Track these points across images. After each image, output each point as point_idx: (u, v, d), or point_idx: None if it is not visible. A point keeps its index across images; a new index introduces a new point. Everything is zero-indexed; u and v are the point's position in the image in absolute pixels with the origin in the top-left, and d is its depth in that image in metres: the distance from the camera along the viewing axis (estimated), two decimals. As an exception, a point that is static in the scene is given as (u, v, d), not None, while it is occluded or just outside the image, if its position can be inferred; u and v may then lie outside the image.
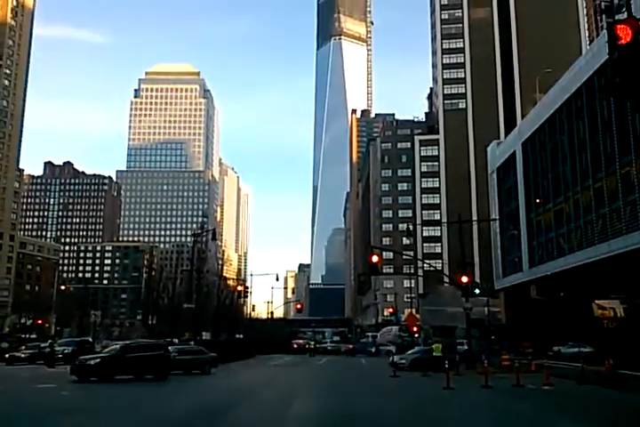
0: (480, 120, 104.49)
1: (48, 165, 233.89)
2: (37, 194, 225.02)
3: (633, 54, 9.22)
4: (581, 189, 42.47)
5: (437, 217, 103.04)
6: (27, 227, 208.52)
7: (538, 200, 51.12)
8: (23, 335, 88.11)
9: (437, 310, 63.61)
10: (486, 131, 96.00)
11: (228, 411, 14.94)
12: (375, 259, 32.01)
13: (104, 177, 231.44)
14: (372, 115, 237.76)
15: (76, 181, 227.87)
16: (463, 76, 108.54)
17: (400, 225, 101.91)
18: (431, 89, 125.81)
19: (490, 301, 57.89)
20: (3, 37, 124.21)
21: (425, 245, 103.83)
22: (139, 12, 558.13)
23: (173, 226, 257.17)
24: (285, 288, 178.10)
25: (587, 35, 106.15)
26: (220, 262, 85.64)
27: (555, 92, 48.14)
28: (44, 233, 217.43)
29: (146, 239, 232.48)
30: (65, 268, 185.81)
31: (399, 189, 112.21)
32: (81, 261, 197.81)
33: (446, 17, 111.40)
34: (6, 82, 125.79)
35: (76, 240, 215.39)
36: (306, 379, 29.02)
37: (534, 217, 51.94)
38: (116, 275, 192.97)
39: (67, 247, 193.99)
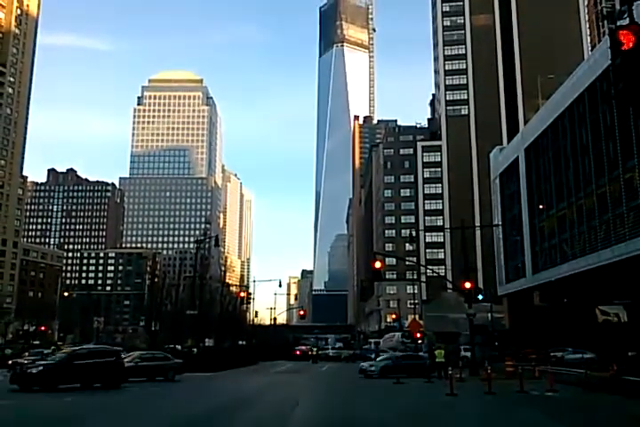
0: (482, 126, 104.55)
1: (51, 172, 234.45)
2: (41, 201, 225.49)
3: (636, 60, 9.24)
4: (584, 195, 42.41)
5: (440, 223, 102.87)
6: (30, 234, 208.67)
7: (541, 206, 51.07)
8: (24, 342, 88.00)
9: (440, 316, 63.36)
10: (489, 137, 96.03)
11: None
12: (378, 265, 32.01)
13: (107, 184, 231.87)
14: (375, 121, 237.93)
15: (80, 188, 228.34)
16: (465, 82, 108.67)
17: (403, 231, 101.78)
18: (433, 95, 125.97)
19: (493, 307, 57.67)
20: (7, 45, 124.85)
21: (428, 251, 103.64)
22: (142, 20, 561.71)
23: (176, 232, 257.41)
24: (288, 294, 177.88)
25: (588, 40, 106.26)
26: (223, 269, 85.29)
27: (557, 97, 48.19)
28: (47, 240, 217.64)
29: (149, 246, 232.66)
30: (68, 274, 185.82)
31: (402, 195, 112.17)
32: (84, 268, 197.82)
33: (448, 23, 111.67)
34: (10, 89, 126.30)
35: (80, 247, 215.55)
36: (305, 386, 28.86)
37: (537, 223, 51.87)
38: (118, 281, 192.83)
39: (70, 254, 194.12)
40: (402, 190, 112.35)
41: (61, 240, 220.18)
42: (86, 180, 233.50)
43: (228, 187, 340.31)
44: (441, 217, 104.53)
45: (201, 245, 62.92)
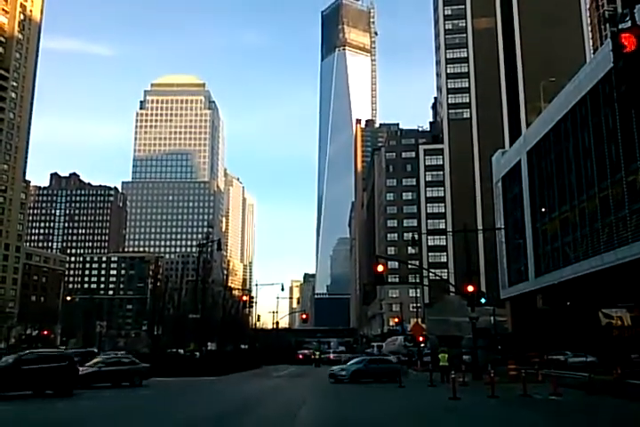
0: (484, 129, 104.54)
1: (54, 176, 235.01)
2: (44, 205, 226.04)
3: (638, 62, 9.24)
4: (587, 198, 42.36)
5: (442, 226, 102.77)
6: (33, 238, 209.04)
7: (543, 209, 51.00)
8: (26, 346, 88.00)
9: (443, 319, 63.17)
10: (491, 140, 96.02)
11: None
12: (380, 268, 31.91)
13: (110, 188, 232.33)
14: (377, 125, 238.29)
15: (82, 192, 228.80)
16: (467, 85, 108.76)
17: (405, 234, 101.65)
18: (435, 98, 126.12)
19: (496, 310, 57.55)
20: (10, 50, 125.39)
21: (430, 254, 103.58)
22: (144, 25, 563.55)
23: (179, 236, 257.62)
24: (291, 298, 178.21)
25: (590, 43, 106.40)
26: (226, 273, 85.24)
27: (559, 100, 48.18)
28: (50, 244, 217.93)
29: (151, 250, 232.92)
30: (71, 278, 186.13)
31: (404, 198, 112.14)
32: (87, 272, 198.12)
33: (450, 27, 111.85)
34: (13, 94, 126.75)
35: (82, 251, 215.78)
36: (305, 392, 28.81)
37: (540, 226, 51.79)
38: (121, 285, 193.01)
39: (72, 258, 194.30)
40: (404, 194, 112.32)
41: (64, 244, 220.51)
42: (89, 184, 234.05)
43: (230, 191, 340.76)
44: (443, 220, 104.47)
45: (203, 249, 62.94)
